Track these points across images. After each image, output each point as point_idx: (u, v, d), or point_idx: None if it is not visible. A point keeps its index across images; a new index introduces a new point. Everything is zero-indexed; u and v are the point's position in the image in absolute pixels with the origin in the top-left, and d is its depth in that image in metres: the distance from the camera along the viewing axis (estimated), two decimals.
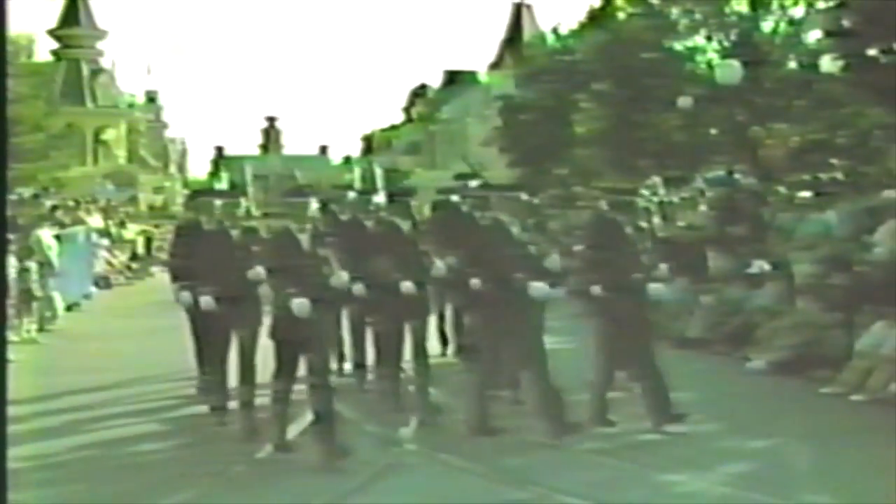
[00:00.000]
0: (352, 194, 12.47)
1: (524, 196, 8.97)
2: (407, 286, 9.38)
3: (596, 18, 32.55)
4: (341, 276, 8.26)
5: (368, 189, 15.63)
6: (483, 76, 54.69)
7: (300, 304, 7.76)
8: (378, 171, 42.06)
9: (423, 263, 9.63)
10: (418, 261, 9.60)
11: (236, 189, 10.16)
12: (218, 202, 9.74)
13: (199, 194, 11.52)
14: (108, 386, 11.05)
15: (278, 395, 8.12)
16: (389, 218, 10.16)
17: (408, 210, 10.02)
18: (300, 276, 7.90)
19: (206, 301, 9.10)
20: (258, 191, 38.66)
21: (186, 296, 9.74)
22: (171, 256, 10.81)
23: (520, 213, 8.80)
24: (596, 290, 8.90)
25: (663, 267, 9.40)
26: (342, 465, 7.57)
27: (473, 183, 11.35)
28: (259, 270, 8.75)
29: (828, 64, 20.41)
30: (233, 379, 9.27)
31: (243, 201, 9.79)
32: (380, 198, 12.53)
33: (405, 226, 9.78)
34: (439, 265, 9.70)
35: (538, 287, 8.42)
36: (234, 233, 9.39)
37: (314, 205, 8.65)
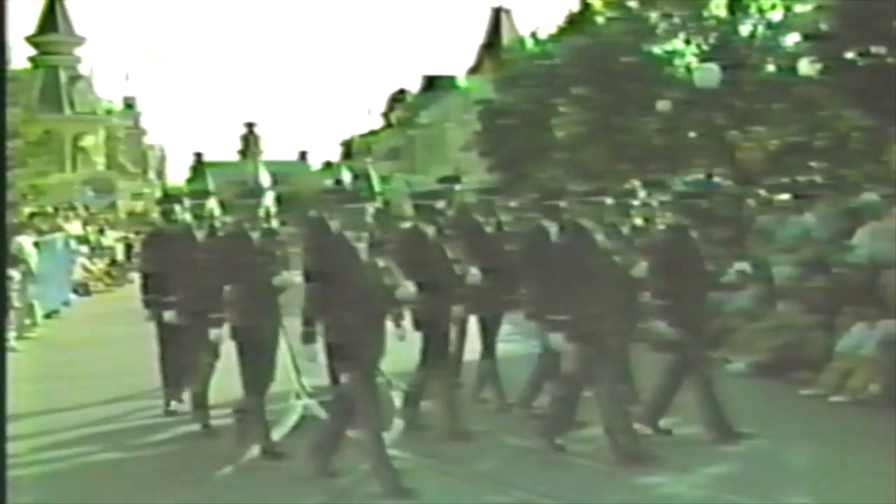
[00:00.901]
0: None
1: (609, 200, 8.23)
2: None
3: (575, 23, 32.66)
4: (408, 289, 7.60)
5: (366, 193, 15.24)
6: (462, 81, 54.80)
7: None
8: (374, 175, 41.67)
9: (455, 270, 8.85)
10: (449, 268, 8.78)
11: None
12: (209, 204, 9.39)
13: (170, 199, 10.43)
14: (90, 402, 10.84)
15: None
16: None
17: (431, 215, 8.94)
18: (359, 287, 7.20)
19: (217, 334, 8.32)
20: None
21: (170, 314, 9.53)
22: (143, 262, 10.38)
23: (603, 218, 8.10)
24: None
25: (731, 272, 9.23)
26: (332, 471, 7.51)
27: (458, 186, 11.05)
28: (285, 276, 8.37)
29: (806, 67, 20.58)
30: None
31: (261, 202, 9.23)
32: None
33: (430, 231, 8.81)
34: (474, 272, 9.07)
35: None
36: (255, 235, 8.44)
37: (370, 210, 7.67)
